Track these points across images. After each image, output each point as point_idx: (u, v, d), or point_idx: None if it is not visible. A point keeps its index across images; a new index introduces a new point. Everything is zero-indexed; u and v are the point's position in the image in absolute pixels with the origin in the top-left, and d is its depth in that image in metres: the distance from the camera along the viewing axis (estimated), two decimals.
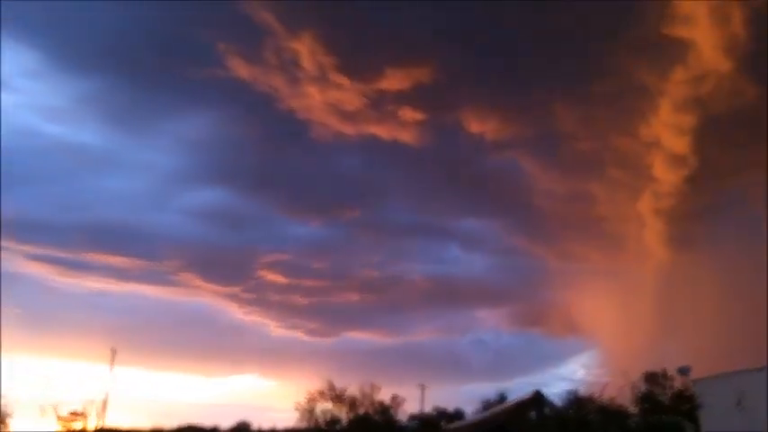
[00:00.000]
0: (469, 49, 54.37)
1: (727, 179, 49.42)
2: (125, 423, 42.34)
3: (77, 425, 34.13)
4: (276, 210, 69.66)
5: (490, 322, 76.14)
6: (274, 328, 68.82)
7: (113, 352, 38.90)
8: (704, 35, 43.79)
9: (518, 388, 43.28)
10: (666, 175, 48.95)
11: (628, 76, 50.15)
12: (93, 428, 34.94)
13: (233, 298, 65.47)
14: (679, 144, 47.01)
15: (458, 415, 50.52)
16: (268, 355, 66.58)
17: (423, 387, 45.65)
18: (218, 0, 53.18)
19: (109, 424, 37.41)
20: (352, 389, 36.22)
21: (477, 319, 73.78)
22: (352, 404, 35.73)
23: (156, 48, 56.67)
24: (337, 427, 35.60)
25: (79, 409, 34.22)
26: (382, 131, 57.46)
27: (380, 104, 55.78)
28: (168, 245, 62.65)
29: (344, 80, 53.35)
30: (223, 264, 65.98)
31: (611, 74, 50.56)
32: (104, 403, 35.75)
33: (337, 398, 35.47)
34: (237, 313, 67.88)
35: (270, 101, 57.07)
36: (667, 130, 47.47)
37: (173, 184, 67.05)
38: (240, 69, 54.30)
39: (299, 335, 68.54)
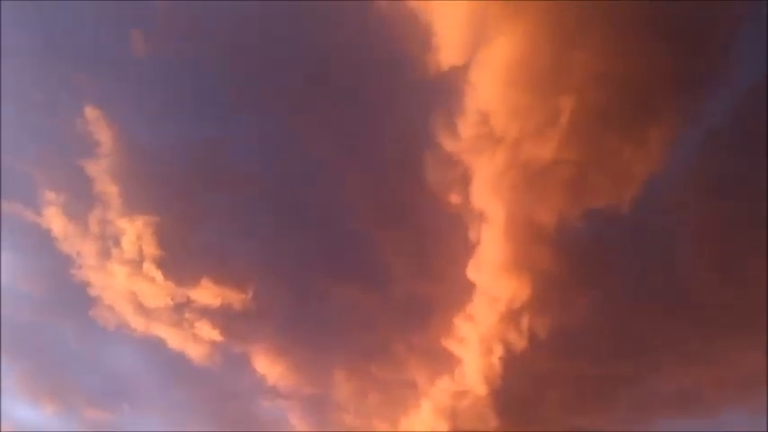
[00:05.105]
0: (287, 295, 58.61)
1: None
2: None
3: None
4: (8, 381, 58.36)
5: None
6: None
7: None
8: (472, 358, 52.47)
9: None
10: None
11: (402, 368, 56.78)
12: None
13: None
14: None
15: None
16: None
17: None
18: (68, 158, 52.91)
19: None
20: None
21: None
22: None
23: None
24: None
25: None
26: (171, 339, 55.21)
27: (182, 311, 54.89)
28: None
29: (158, 274, 52.62)
30: None
31: (390, 363, 57.04)
32: None
33: None
34: None
35: (67, 263, 53.27)
36: (421, 428, 52.31)
37: None
38: (54, 223, 51.45)
39: None
